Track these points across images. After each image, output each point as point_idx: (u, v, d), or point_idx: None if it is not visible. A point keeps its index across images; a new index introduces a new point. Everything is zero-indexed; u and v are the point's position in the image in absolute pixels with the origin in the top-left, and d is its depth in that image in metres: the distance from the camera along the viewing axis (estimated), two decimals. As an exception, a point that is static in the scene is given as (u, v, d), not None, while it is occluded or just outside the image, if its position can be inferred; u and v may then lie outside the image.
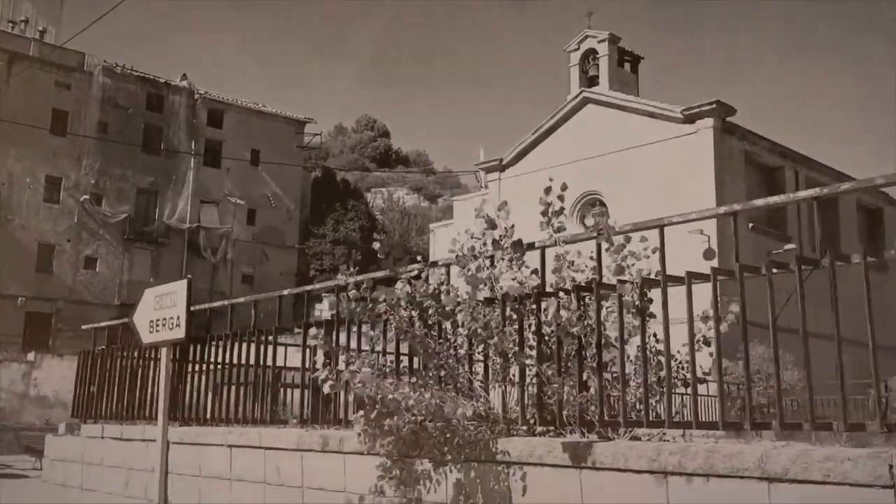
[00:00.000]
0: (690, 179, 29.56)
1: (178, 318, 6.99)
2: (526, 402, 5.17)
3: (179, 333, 7.00)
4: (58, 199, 39.63)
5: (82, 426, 9.52)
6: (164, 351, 7.14)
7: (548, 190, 5.59)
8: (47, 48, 38.72)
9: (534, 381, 5.27)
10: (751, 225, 30.47)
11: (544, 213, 5.55)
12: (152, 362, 8.32)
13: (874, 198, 37.90)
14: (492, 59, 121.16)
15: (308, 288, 8.01)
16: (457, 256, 5.54)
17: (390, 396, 4.88)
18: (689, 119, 30.02)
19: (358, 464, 5.62)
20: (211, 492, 6.97)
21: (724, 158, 29.68)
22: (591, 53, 34.33)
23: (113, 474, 8.35)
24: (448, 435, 5.02)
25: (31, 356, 28.85)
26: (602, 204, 33.02)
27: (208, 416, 7.63)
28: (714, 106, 29.29)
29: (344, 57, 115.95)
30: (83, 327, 10.80)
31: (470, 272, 5.40)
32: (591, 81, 34.32)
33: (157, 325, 7.18)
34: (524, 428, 5.18)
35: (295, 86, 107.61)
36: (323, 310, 41.94)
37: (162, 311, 7.18)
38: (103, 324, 10.56)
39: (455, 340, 5.62)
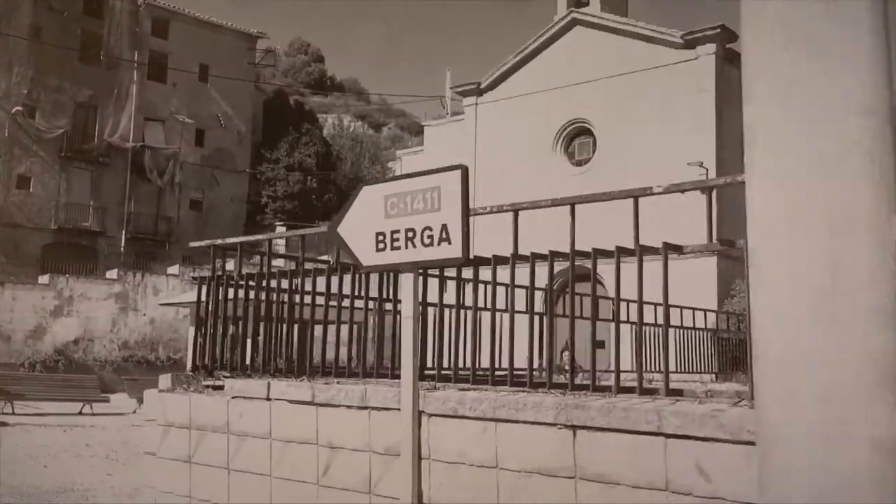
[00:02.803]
0: (688, 109, 27.98)
1: (445, 227, 4.43)
2: None
3: (453, 252, 4.39)
4: (-15, 109, 35.68)
5: (228, 381, 6.27)
6: (410, 280, 4.66)
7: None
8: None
9: None
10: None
11: None
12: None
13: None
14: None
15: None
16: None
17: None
18: (690, 44, 28.26)
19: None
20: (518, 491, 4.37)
21: (724, 88, 28.14)
22: (582, -30, 32.07)
23: (296, 454, 5.55)
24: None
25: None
26: (590, 133, 31.34)
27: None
28: (718, 31, 27.56)
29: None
30: (191, 245, 7.93)
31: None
32: (578, 2, 32.17)
33: (394, 240, 4.65)
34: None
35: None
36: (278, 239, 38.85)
37: (407, 217, 4.62)
38: (235, 239, 7.35)
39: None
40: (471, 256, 4.51)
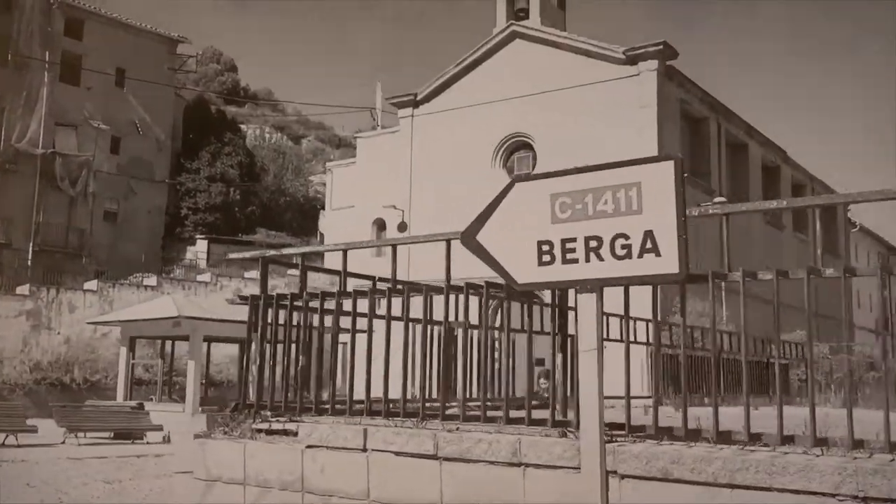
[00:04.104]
0: (630, 125, 27.93)
1: (650, 234, 3.43)
2: None
3: (665, 265, 3.39)
4: None
5: (304, 426, 5.00)
6: (589, 303, 3.54)
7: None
8: None
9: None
10: (685, 174, 29.42)
11: None
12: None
13: (774, 157, 38.23)
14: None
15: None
16: None
17: None
18: (631, 60, 28.25)
19: None
20: None
21: (665, 104, 28.26)
22: (521, -17, 31.80)
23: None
24: None
25: None
26: (530, 147, 30.99)
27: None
28: (660, 48, 27.66)
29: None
30: (230, 256, 6.67)
31: None
32: (518, 15, 31.86)
33: (566, 251, 3.57)
34: None
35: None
36: (200, 252, 37.46)
37: (587, 221, 3.57)
38: (293, 250, 5.90)
39: None
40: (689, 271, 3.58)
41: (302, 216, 50.02)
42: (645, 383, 10.67)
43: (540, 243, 3.61)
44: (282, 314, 5.82)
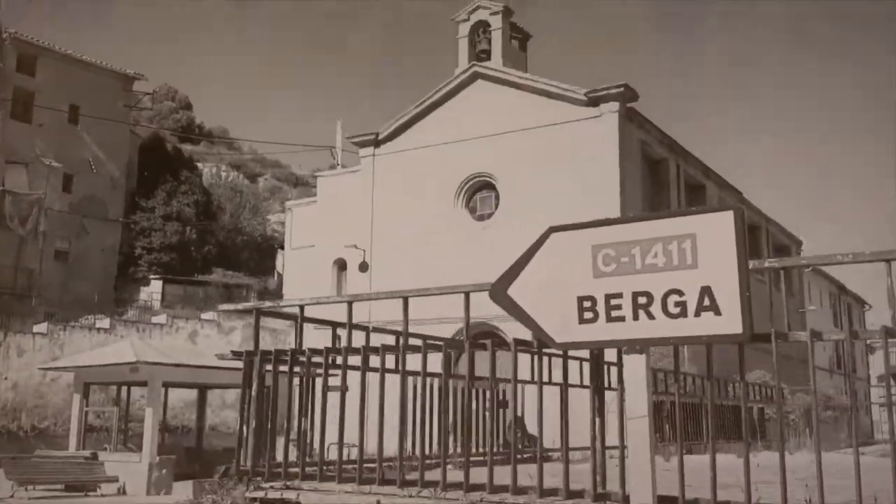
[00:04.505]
0: (592, 166, 28.12)
1: (708, 291, 3.09)
2: None
3: (727, 325, 3.09)
4: None
5: (294, 495, 4.47)
6: (639, 366, 3.19)
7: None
8: None
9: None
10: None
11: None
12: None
13: (731, 198, 38.82)
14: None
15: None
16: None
17: None
18: (593, 102, 28.53)
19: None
20: None
21: (626, 146, 28.53)
22: (483, 25, 32.05)
23: None
24: None
25: None
26: (493, 187, 30.97)
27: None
28: (622, 90, 27.99)
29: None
30: (222, 307, 6.24)
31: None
32: (479, 56, 32.04)
33: (611, 308, 3.25)
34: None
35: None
36: (155, 292, 36.46)
37: (635, 276, 3.25)
38: (297, 302, 5.44)
39: None
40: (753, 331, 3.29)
41: (259, 255, 49.31)
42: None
43: (581, 299, 3.30)
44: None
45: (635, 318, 3.13)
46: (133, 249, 40.79)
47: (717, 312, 3.05)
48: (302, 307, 5.44)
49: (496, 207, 30.72)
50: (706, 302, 3.08)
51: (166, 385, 18.37)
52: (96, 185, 39.75)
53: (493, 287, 3.62)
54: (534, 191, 29.18)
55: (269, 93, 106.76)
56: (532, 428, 4.63)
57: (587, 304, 3.24)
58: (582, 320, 3.24)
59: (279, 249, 49.11)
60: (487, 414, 4.47)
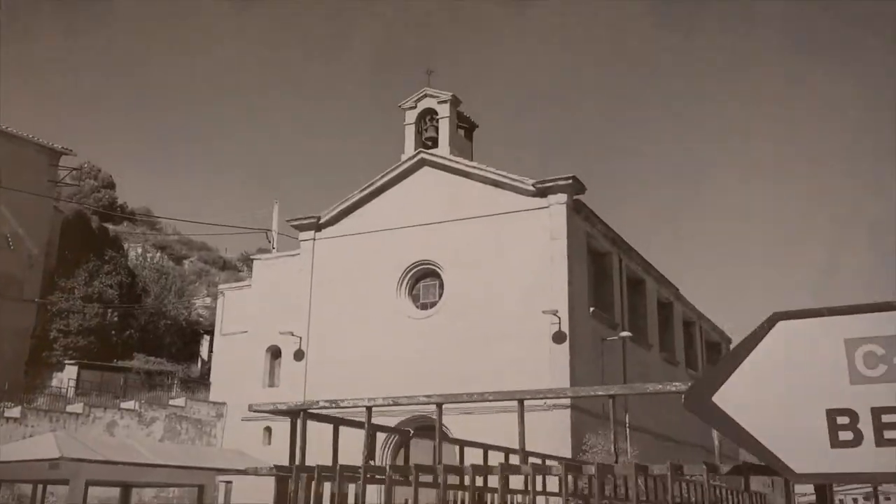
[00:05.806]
0: (539, 256, 27.79)
1: None
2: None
3: None
4: None
5: None
6: None
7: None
8: None
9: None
10: (592, 309, 29.32)
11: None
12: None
13: (668, 293, 39.08)
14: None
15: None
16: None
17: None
18: (541, 192, 28.40)
19: None
20: None
21: (573, 237, 28.36)
22: (430, 113, 31.95)
23: None
24: None
25: None
26: (437, 275, 30.25)
27: None
28: (570, 181, 27.97)
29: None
30: (256, 408, 4.99)
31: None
32: (425, 144, 31.82)
33: (883, 426, 2.22)
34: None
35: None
36: (70, 378, 33.85)
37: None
38: (379, 403, 3.80)
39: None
40: None
41: (183, 341, 46.98)
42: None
43: (832, 413, 2.36)
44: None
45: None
46: (48, 332, 38.19)
47: None
48: (369, 408, 4.43)
49: (440, 297, 29.94)
50: None
51: (88, 483, 16.52)
52: (13, 263, 37.37)
53: (689, 392, 2.69)
54: (479, 279, 28.61)
55: (198, 174, 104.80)
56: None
57: (843, 420, 2.31)
58: (836, 443, 2.30)
59: (204, 335, 46.95)
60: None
